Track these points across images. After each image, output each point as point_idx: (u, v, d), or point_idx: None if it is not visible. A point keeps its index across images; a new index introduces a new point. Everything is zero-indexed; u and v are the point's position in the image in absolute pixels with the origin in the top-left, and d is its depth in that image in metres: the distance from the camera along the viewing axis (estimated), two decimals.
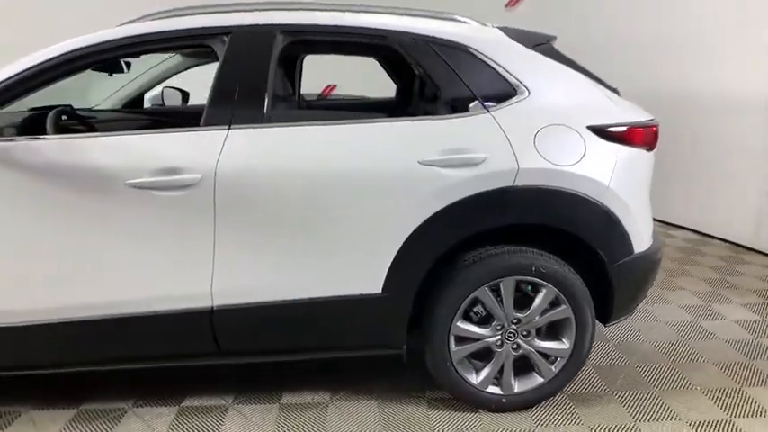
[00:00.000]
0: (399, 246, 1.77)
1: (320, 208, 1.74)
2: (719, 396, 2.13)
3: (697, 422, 1.97)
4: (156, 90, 3.21)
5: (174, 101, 3.29)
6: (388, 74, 2.76)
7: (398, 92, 2.63)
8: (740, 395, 2.14)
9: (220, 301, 1.77)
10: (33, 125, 1.92)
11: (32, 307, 1.71)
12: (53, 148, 1.65)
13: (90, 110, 2.67)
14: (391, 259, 1.79)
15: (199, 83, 2.65)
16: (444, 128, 1.80)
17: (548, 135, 1.81)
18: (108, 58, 1.77)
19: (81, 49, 1.69)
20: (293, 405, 2.05)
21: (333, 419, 1.96)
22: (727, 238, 4.08)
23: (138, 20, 1.83)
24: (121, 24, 1.80)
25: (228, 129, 1.71)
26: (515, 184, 1.77)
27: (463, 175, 1.75)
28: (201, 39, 1.79)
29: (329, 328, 1.88)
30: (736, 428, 1.93)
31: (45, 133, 1.85)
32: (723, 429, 1.93)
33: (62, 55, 1.68)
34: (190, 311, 1.77)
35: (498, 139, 1.78)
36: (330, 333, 1.89)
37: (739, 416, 2.01)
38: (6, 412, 1.99)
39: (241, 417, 1.98)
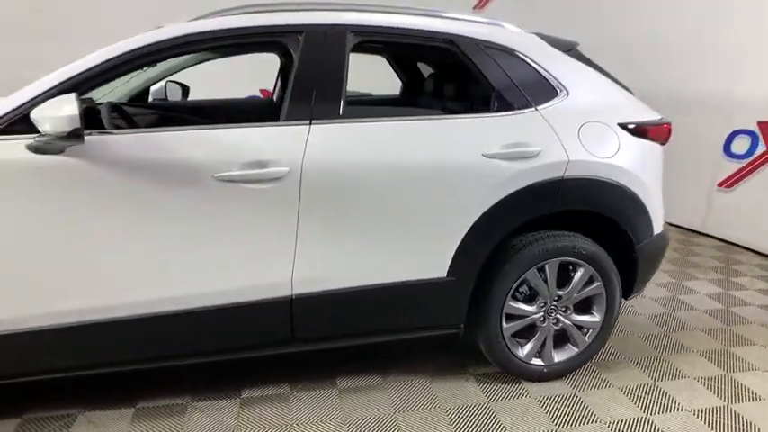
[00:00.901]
0: (464, 233, 1.93)
1: (394, 200, 1.85)
2: (713, 356, 2.49)
3: (703, 378, 2.29)
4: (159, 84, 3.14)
5: (175, 95, 3.24)
6: (431, 71, 2.80)
7: (437, 89, 2.76)
8: (729, 354, 2.51)
9: (300, 289, 1.84)
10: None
11: (131, 301, 1.71)
12: (143, 141, 1.64)
13: (133, 105, 2.60)
14: (456, 246, 1.94)
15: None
16: (501, 123, 1.98)
17: (588, 131, 2.04)
18: (187, 51, 1.77)
19: (162, 41, 1.69)
20: (352, 387, 2.15)
21: (394, 395, 2.08)
22: (680, 224, 4.62)
23: (207, 16, 1.83)
24: (193, 20, 1.80)
25: (310, 124, 1.78)
26: (565, 174, 1.98)
27: (521, 167, 1.93)
28: (277, 36, 1.83)
29: (398, 312, 2.00)
30: (735, 382, 2.28)
31: (97, 127, 1.81)
32: (725, 383, 2.27)
33: (145, 46, 1.67)
34: (271, 301, 1.82)
35: (549, 134, 1.98)
36: (399, 316, 2.01)
37: (734, 371, 2.36)
38: (62, 416, 1.93)
39: (300, 402, 2.05)
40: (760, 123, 3.89)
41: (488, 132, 1.95)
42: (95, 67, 1.63)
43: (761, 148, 3.92)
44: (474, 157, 1.89)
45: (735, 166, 4.09)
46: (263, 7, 1.91)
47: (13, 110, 1.56)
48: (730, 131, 4.11)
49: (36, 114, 1.48)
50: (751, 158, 3.98)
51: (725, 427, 1.98)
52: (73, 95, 1.49)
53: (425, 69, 3.13)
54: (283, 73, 2.94)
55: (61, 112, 1.43)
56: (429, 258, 1.95)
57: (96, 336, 1.71)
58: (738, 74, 3.98)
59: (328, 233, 1.81)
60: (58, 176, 1.56)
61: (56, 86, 1.59)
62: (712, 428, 1.97)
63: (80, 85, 1.62)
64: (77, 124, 1.44)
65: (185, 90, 3.30)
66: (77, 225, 1.60)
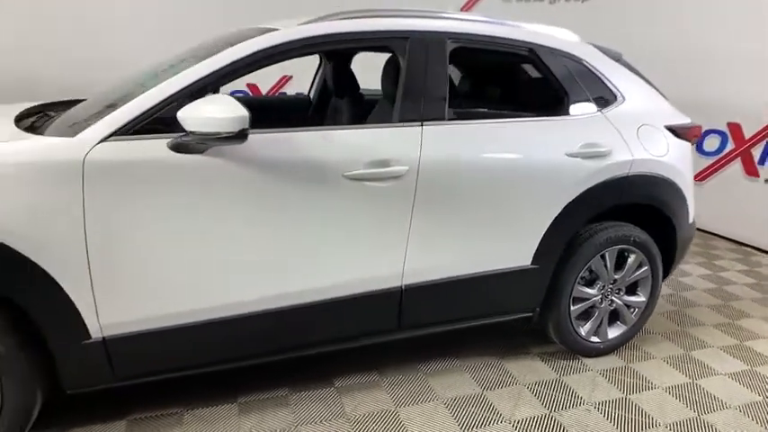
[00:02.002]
0: (548, 225, 2.13)
1: (491, 195, 2.02)
2: (724, 328, 2.86)
3: (724, 347, 2.65)
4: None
5: None
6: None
7: (513, 92, 2.70)
8: (736, 327, 2.89)
9: (409, 280, 1.96)
10: None
11: (261, 295, 1.76)
12: (279, 140, 1.69)
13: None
14: (541, 236, 2.14)
15: None
16: (576, 125, 2.19)
17: (644, 133, 2.30)
18: (307, 52, 1.83)
19: (286, 43, 1.74)
20: (438, 370, 2.29)
21: (478, 374, 2.25)
22: None
23: (315, 21, 1.87)
24: (303, 23, 1.85)
25: (421, 125, 1.89)
26: (630, 171, 2.22)
27: (597, 165, 2.15)
28: (385, 41, 1.93)
29: (488, 299, 2.17)
30: (751, 349, 2.65)
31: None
32: (741, 351, 2.63)
33: (269, 47, 1.71)
34: (385, 291, 1.93)
35: (615, 136, 2.22)
36: (491, 302, 2.19)
37: (746, 340, 2.74)
38: (167, 414, 1.94)
39: (381, 388, 2.17)
40: (729, 124, 4.39)
41: (567, 133, 2.15)
42: (221, 69, 1.66)
43: (729, 146, 4.43)
44: (559, 156, 2.09)
45: (706, 162, 4.59)
46: (364, 13, 1.99)
47: (145, 112, 1.56)
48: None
49: (187, 114, 1.49)
50: (720, 155, 4.49)
51: (756, 387, 2.32)
52: (228, 96, 1.53)
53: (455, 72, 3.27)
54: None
55: (230, 113, 1.46)
56: (518, 248, 2.13)
57: (241, 329, 1.76)
58: (710, 78, 4.46)
59: (435, 227, 1.95)
60: (198, 174, 1.58)
61: (185, 88, 1.61)
62: (747, 388, 2.31)
63: (206, 86, 1.65)
64: (246, 124, 1.48)
65: None
66: (217, 222, 1.63)
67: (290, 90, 5.88)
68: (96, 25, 4.69)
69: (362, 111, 2.21)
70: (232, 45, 1.74)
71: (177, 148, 1.54)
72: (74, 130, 1.54)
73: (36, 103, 2.18)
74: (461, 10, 6.08)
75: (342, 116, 2.51)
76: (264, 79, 5.73)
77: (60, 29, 4.56)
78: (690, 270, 3.73)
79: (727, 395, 2.25)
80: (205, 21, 4.27)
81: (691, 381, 2.35)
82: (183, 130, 1.52)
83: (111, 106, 1.60)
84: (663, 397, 2.22)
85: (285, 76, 5.90)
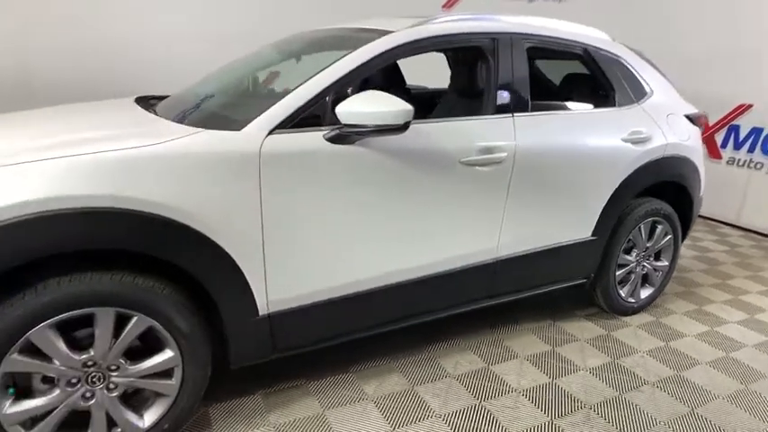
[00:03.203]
0: (606, 200, 2.48)
1: (565, 176, 2.32)
2: (721, 287, 3.37)
3: (726, 301, 3.14)
4: None
5: None
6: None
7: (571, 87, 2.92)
8: (729, 287, 3.41)
9: (502, 253, 2.23)
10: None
11: (399, 269, 1.98)
12: (411, 131, 1.88)
13: None
14: (600, 212, 2.48)
15: None
16: (623, 115, 2.54)
17: (671, 121, 2.70)
18: (422, 51, 2.02)
19: (406, 43, 1.94)
20: (498, 339, 2.59)
21: (546, 334, 2.57)
22: None
23: (422, 23, 2.07)
24: (413, 26, 2.04)
25: (512, 116, 2.16)
26: (665, 154, 2.61)
27: (642, 149, 2.52)
28: (481, 41, 2.16)
29: (560, 267, 2.50)
30: (745, 302, 3.16)
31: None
32: (739, 304, 3.13)
33: (398, 46, 1.92)
34: (484, 263, 2.19)
35: (652, 124, 2.60)
36: (560, 271, 2.51)
37: (739, 295, 3.25)
38: (294, 386, 2.09)
39: (395, 371, 2.45)
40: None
41: (618, 122, 2.50)
42: (357, 67, 1.83)
43: None
44: (616, 142, 2.44)
45: None
46: (447, 18, 2.22)
47: (299, 109, 1.71)
48: None
49: (348, 108, 1.66)
50: None
51: (762, 330, 2.81)
52: (382, 92, 1.71)
53: None
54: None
55: (399, 107, 1.65)
56: (584, 222, 2.46)
57: (384, 299, 1.98)
58: (682, 74, 5.02)
59: (523, 206, 2.23)
60: (348, 162, 1.76)
61: (331, 85, 1.78)
62: (755, 331, 2.79)
63: (346, 83, 1.83)
64: (410, 117, 1.68)
65: None
66: (364, 205, 1.82)
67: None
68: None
69: (451, 103, 2.42)
70: (330, 45, 1.99)
71: (335, 139, 1.71)
72: (234, 124, 1.66)
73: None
74: (442, 8, 6.38)
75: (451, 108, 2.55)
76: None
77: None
78: (682, 252, 4.26)
79: (741, 338, 2.72)
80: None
81: (710, 328, 2.80)
82: (332, 123, 1.71)
83: (267, 101, 1.73)
84: (694, 343, 2.64)
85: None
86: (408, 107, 1.67)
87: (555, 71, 3.04)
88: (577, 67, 2.74)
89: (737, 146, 4.77)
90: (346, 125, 1.69)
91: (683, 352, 2.54)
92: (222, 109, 1.97)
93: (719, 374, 2.37)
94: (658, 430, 1.97)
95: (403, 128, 1.70)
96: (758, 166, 4.63)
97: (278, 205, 1.66)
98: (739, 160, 4.74)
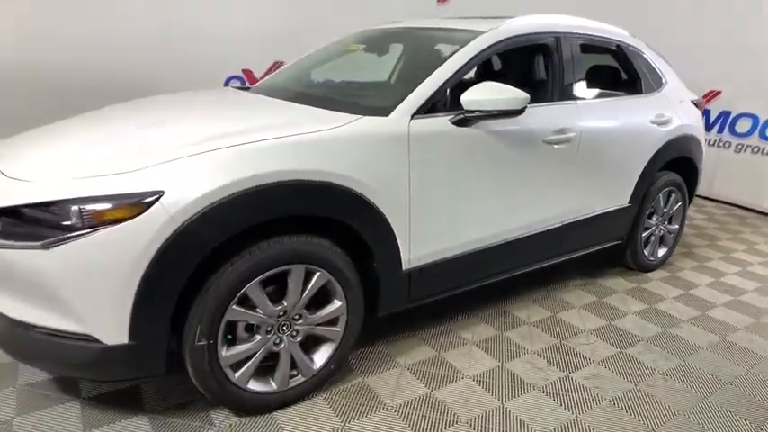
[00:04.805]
0: (640, 172, 2.95)
1: (611, 152, 2.77)
2: (714, 248, 3.96)
3: (722, 258, 3.72)
4: None
5: None
6: None
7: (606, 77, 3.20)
8: (720, 246, 4.01)
9: (567, 218, 2.65)
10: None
11: (506, 228, 2.38)
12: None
13: None
14: (635, 182, 2.95)
15: None
16: (648, 101, 3.02)
17: (683, 105, 3.21)
18: (512, 47, 2.39)
19: (504, 39, 2.34)
20: (547, 319, 3.02)
21: (587, 288, 3.03)
22: None
23: (504, 23, 2.44)
24: (498, 27, 2.40)
25: (576, 102, 2.58)
26: (681, 133, 3.12)
27: (665, 129, 3.01)
28: (549, 38, 2.55)
29: (604, 230, 2.95)
30: (738, 259, 3.75)
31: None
32: (732, 260, 3.72)
33: (498, 42, 2.31)
34: (554, 228, 2.60)
35: (670, 108, 3.09)
36: (603, 233, 2.96)
37: (730, 253, 3.85)
38: (408, 336, 2.42)
39: (423, 341, 2.87)
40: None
41: (645, 106, 2.98)
42: (468, 62, 2.19)
43: None
44: (646, 122, 2.92)
45: None
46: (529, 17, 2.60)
47: (429, 98, 2.04)
48: None
49: (473, 96, 2.02)
50: None
51: (760, 280, 3.39)
52: (497, 83, 2.07)
53: None
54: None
55: (518, 95, 2.02)
56: (623, 192, 2.93)
57: (495, 254, 2.36)
58: None
59: (584, 178, 2.66)
60: (467, 141, 2.11)
61: (450, 77, 2.12)
62: (753, 281, 3.36)
63: (460, 76, 2.17)
64: (527, 103, 2.05)
65: None
66: (480, 176, 2.19)
67: None
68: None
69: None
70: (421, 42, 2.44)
71: (459, 122, 2.06)
72: (381, 111, 1.97)
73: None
74: (438, 2, 6.75)
75: None
76: (258, 65, 5.95)
77: None
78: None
79: (742, 285, 3.29)
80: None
81: (715, 279, 3.35)
82: (449, 109, 2.07)
83: (398, 91, 2.06)
84: (707, 290, 3.18)
85: (277, 62, 6.16)
86: (525, 94, 2.04)
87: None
88: (600, 60, 3.19)
89: (708, 127, 5.42)
90: (468, 111, 2.05)
91: (702, 297, 3.07)
92: (361, 97, 2.32)
93: (734, 312, 2.91)
94: (703, 353, 2.46)
95: (521, 112, 2.07)
96: (726, 144, 5.32)
97: (419, 177, 1.99)
98: (710, 140, 5.40)
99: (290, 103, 2.19)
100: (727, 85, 5.24)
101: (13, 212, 1.55)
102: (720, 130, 5.35)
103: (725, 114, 5.30)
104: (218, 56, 5.65)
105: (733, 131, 5.26)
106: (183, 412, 1.86)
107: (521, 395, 2.07)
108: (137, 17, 4.87)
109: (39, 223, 1.52)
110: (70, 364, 1.60)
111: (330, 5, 5.81)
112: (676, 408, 2.05)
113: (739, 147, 5.21)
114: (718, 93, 5.32)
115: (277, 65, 6.24)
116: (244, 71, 5.89)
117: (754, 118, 5.09)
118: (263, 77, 6.00)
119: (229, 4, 5.43)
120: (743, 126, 5.18)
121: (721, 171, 5.39)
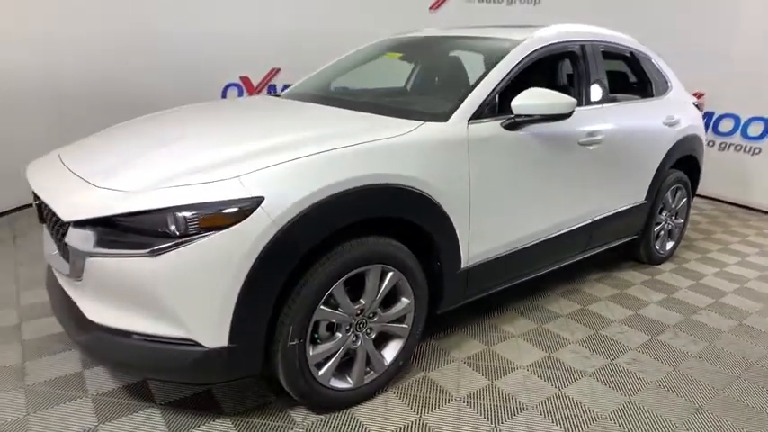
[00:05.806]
0: (655, 170, 3.15)
1: (631, 151, 2.96)
2: (714, 239, 4.21)
3: (723, 249, 3.97)
4: None
5: None
6: None
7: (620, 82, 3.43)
8: (717, 239, 4.27)
9: (595, 215, 2.81)
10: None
11: (547, 227, 2.52)
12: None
13: None
14: (651, 180, 3.14)
15: None
16: (659, 103, 3.23)
17: (687, 108, 3.44)
18: (547, 54, 2.53)
19: (542, 47, 2.48)
20: (578, 311, 3.18)
21: (607, 281, 3.20)
22: None
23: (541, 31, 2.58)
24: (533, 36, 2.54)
25: (602, 106, 2.74)
26: (687, 134, 3.34)
27: (675, 130, 3.22)
28: (576, 46, 2.71)
29: (624, 226, 3.12)
30: (735, 251, 4.00)
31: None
32: (733, 252, 3.97)
33: (538, 49, 2.46)
34: (586, 224, 2.76)
35: (678, 110, 3.31)
36: (623, 228, 3.14)
37: (728, 245, 4.10)
38: (456, 332, 2.53)
39: (472, 336, 3.02)
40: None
41: (658, 109, 3.18)
42: (511, 69, 2.31)
43: None
44: (660, 124, 3.12)
45: None
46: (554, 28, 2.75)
47: (482, 103, 2.17)
48: None
49: (523, 102, 2.14)
50: None
51: (756, 268, 3.64)
52: (545, 89, 2.20)
53: None
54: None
55: (567, 100, 2.15)
56: (641, 189, 3.12)
57: (538, 251, 2.50)
58: None
59: (609, 177, 2.83)
60: (515, 144, 2.24)
61: (498, 84, 2.24)
62: (755, 270, 3.61)
63: (505, 82, 2.29)
64: (575, 107, 2.18)
65: None
66: (527, 175, 2.32)
67: (278, 82, 6.15)
68: None
69: None
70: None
71: (510, 126, 2.19)
72: (440, 117, 2.08)
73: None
74: (430, 9, 6.92)
75: None
76: (256, 72, 5.98)
77: None
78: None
79: (745, 273, 3.53)
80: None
81: (719, 269, 3.58)
82: (497, 114, 2.19)
83: (452, 98, 2.17)
84: (714, 279, 3.40)
85: (273, 69, 6.20)
86: (573, 99, 2.19)
87: None
88: (612, 66, 3.39)
89: None
90: (518, 115, 2.17)
91: (711, 286, 3.29)
92: (419, 104, 2.43)
93: (745, 299, 3.13)
94: (726, 336, 2.65)
95: (569, 115, 2.21)
96: (710, 143, 5.64)
97: (477, 178, 2.10)
98: None
99: (347, 110, 2.26)
100: (710, 87, 5.57)
101: (107, 222, 1.59)
102: (704, 130, 5.66)
103: (708, 115, 5.61)
104: (216, 64, 5.66)
105: (716, 131, 5.58)
106: (262, 413, 1.91)
107: (574, 381, 2.20)
108: (134, 25, 4.85)
109: (139, 232, 1.56)
110: (169, 369, 1.64)
111: (327, 14, 5.89)
112: (715, 386, 2.22)
113: (723, 145, 5.54)
114: (702, 94, 5.63)
115: (274, 71, 6.31)
116: (242, 78, 5.91)
117: (736, 118, 5.43)
118: (259, 84, 6.05)
119: (227, 13, 5.46)
120: (726, 126, 5.51)
121: (706, 169, 5.69)
